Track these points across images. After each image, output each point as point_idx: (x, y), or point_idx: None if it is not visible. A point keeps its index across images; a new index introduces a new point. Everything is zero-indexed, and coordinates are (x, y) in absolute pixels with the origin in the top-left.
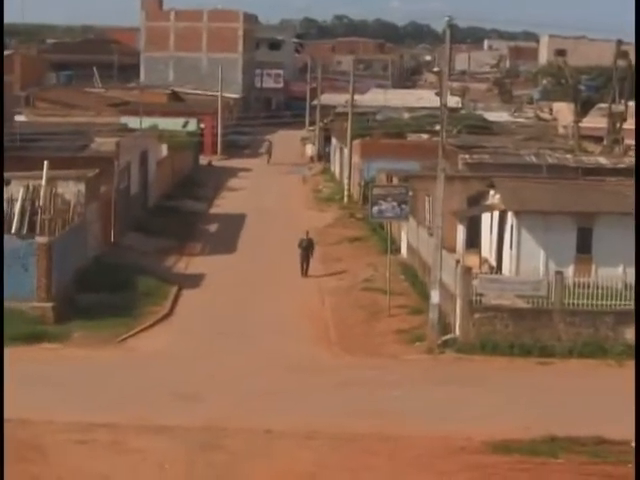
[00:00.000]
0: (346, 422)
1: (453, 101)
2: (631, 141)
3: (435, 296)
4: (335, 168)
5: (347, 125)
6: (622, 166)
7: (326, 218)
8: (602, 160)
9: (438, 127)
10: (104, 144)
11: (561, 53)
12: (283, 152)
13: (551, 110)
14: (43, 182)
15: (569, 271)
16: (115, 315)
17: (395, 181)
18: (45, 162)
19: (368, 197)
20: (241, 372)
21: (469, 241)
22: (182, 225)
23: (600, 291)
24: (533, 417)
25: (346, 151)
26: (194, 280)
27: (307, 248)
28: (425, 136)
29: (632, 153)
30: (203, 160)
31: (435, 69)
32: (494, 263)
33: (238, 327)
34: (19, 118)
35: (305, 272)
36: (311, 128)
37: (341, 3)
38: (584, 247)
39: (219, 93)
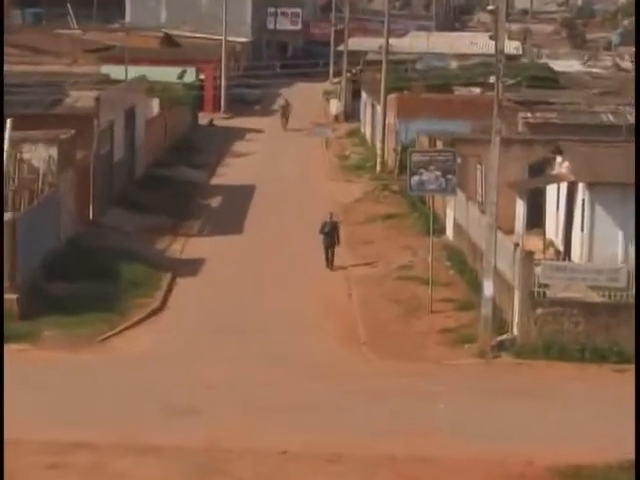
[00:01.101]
0: (377, 442)
1: (512, 47)
2: None
3: (488, 287)
4: (365, 129)
5: (380, 76)
6: None
7: (354, 191)
8: None
9: (493, 79)
10: (81, 99)
11: None
12: (302, 110)
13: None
14: (5, 145)
15: None
16: (94, 309)
17: (439, 145)
18: (8, 121)
19: (406, 165)
20: (248, 380)
21: (530, 220)
22: (177, 199)
23: None
24: (608, 437)
25: (379, 108)
26: (191, 267)
27: (331, 234)
28: (477, 90)
29: None
30: (203, 119)
31: (490, 7)
32: (561, 247)
33: (245, 324)
34: None
35: (330, 264)
36: (336, 80)
37: None
38: None
39: (223, 37)
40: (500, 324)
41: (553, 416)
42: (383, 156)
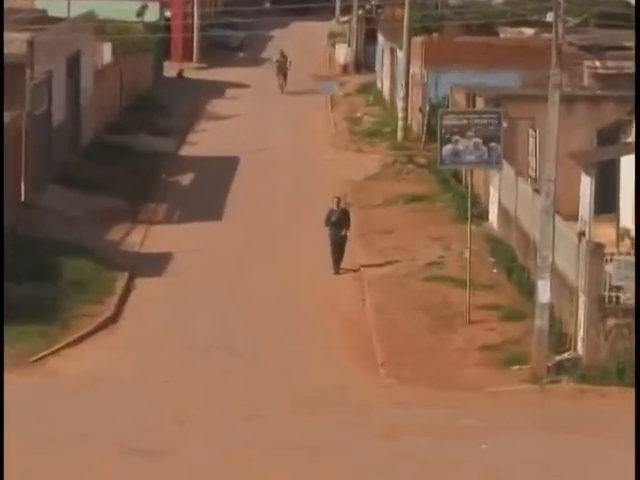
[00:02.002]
0: None
1: None
2: None
3: (544, 291)
4: (383, 84)
5: (403, 13)
6: None
7: (368, 164)
8: None
9: (550, 17)
10: (10, 43)
11: None
12: (300, 59)
13: None
14: None
15: None
16: (27, 320)
17: (480, 105)
18: None
19: (435, 131)
20: (229, 412)
21: (600, 202)
22: (135, 175)
23: None
24: None
25: (401, 56)
26: (155, 264)
27: (340, 225)
28: (529, 31)
29: None
30: (170, 70)
31: None
32: None
33: (225, 340)
34: None
35: (338, 265)
36: (344, 18)
37: None
38: None
39: None
40: (559, 339)
41: (628, 459)
42: (406, 119)
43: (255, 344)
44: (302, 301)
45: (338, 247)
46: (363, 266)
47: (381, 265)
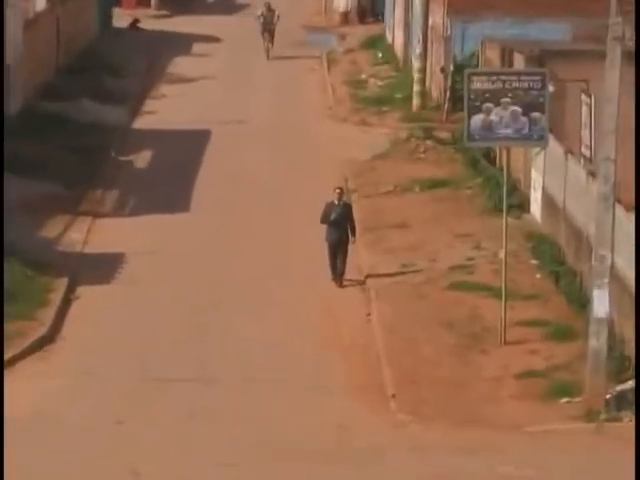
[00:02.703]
0: None
1: None
2: None
3: (602, 302)
4: (394, 36)
5: None
6: None
7: (375, 141)
8: None
9: None
10: None
11: None
12: (288, 4)
13: None
14: None
15: None
16: None
17: (519, 64)
18: None
19: (461, 97)
20: (199, 463)
21: None
22: (77, 154)
23: None
24: None
25: (417, 0)
26: (101, 268)
27: (341, 224)
28: None
29: None
30: (121, 19)
31: None
32: None
33: (193, 366)
34: None
35: (340, 276)
36: None
37: None
38: None
39: None
40: (621, 364)
41: None
42: (424, 82)
43: (232, 372)
44: (291, 317)
45: (339, 253)
46: (369, 276)
47: (392, 273)
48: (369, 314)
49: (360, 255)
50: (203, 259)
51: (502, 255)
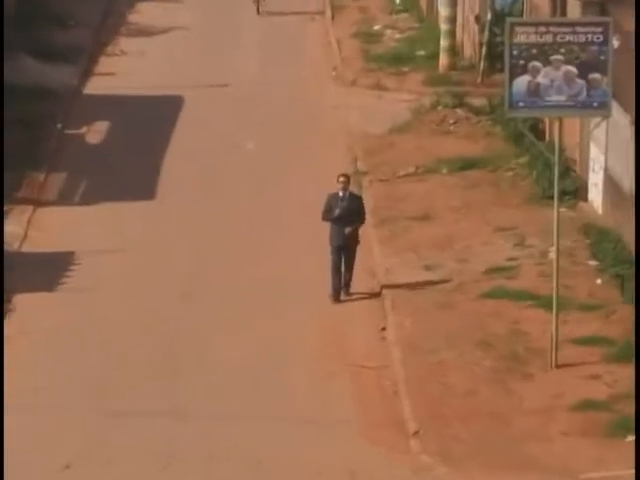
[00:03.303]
0: None
1: None
2: None
3: None
4: None
5: None
6: None
7: (392, 110)
8: None
9: None
10: None
11: None
12: None
13: None
14: None
15: None
16: None
17: (574, 11)
18: None
19: (500, 54)
20: None
21: None
22: (13, 125)
23: None
24: None
25: None
26: (44, 270)
27: (347, 221)
28: None
29: None
30: None
31: None
32: None
33: (162, 398)
34: None
35: (346, 287)
36: None
37: None
38: None
39: None
40: None
41: None
42: (453, 35)
43: (211, 405)
44: (286, 334)
45: (346, 258)
46: (385, 287)
47: (413, 278)
48: (384, 329)
49: (373, 255)
50: (173, 260)
51: (552, 254)
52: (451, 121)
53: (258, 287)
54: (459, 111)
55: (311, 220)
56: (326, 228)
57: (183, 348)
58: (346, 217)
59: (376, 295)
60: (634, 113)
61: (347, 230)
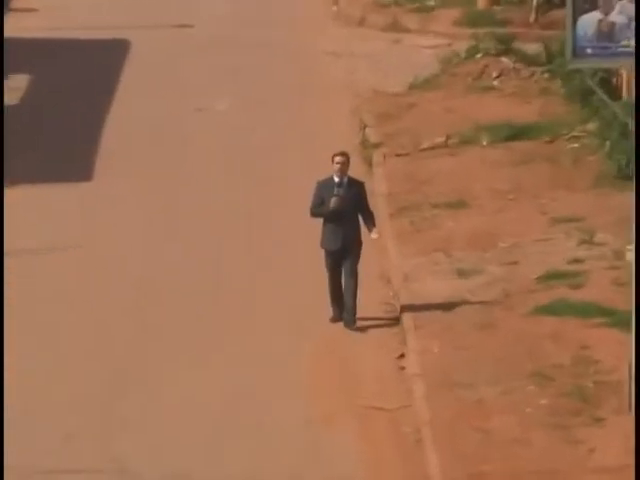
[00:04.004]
0: None
1: None
2: None
3: None
4: None
5: None
6: None
7: (414, 59)
8: None
9: None
10: None
11: None
12: None
13: None
14: None
15: None
16: None
17: None
18: None
19: None
20: None
21: None
22: None
23: None
24: None
25: None
26: None
27: (347, 217)
28: None
29: None
30: None
31: None
32: None
33: (102, 454)
34: None
35: (352, 313)
36: None
37: None
38: None
39: None
40: None
41: None
42: None
43: (167, 466)
44: (270, 365)
45: (346, 270)
46: (404, 301)
47: (445, 275)
48: (402, 356)
49: (388, 256)
50: (119, 262)
51: (631, 255)
52: (494, 74)
53: (233, 299)
54: (505, 60)
55: (301, 211)
56: (314, 225)
57: (130, 381)
58: (344, 211)
59: (391, 311)
60: None
61: (373, 232)
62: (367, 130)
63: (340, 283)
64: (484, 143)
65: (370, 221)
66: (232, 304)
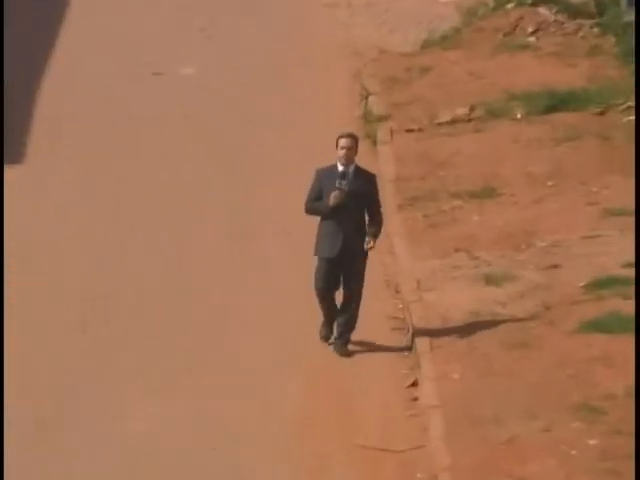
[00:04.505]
0: None
1: None
2: None
3: None
4: None
5: None
6: None
7: (426, 9)
8: None
9: None
10: None
11: None
12: None
13: None
14: None
15: None
16: None
17: None
18: None
19: None
20: None
21: None
22: None
23: None
24: None
25: None
26: None
27: (349, 214)
28: None
29: None
30: None
31: None
32: None
33: None
34: None
35: (342, 335)
36: None
37: None
38: None
39: None
40: None
41: None
42: None
43: None
44: (253, 399)
45: (346, 281)
46: (417, 325)
47: (468, 280)
48: (414, 385)
49: (397, 258)
50: (59, 269)
51: None
52: (530, 29)
53: (205, 311)
54: (543, 11)
55: (291, 205)
56: (309, 224)
57: (70, 416)
58: (347, 209)
59: (401, 328)
60: None
61: (367, 243)
62: (370, 99)
63: (332, 297)
64: (518, 116)
65: (373, 225)
66: (203, 318)
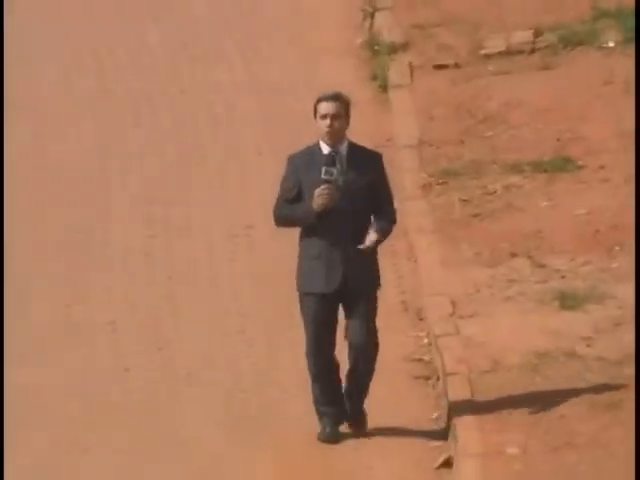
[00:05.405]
0: None
1: None
2: None
3: None
4: None
5: None
6: None
7: None
8: None
9: None
10: None
11: None
12: None
13: None
14: None
15: None
16: None
17: None
18: None
19: None
20: None
21: None
22: None
23: None
24: None
25: None
26: None
27: (339, 220)
28: None
29: None
30: None
31: None
32: None
33: None
34: None
35: (356, 416)
36: None
37: None
38: None
39: None
40: None
41: None
42: None
43: None
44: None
45: (350, 326)
46: (452, 372)
47: (528, 335)
48: (446, 464)
49: (418, 267)
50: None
51: None
52: None
53: (158, 382)
54: None
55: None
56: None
57: None
58: (343, 212)
59: (426, 377)
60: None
61: (353, 253)
62: (378, 17)
63: (334, 360)
64: (610, 44)
65: (382, 217)
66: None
